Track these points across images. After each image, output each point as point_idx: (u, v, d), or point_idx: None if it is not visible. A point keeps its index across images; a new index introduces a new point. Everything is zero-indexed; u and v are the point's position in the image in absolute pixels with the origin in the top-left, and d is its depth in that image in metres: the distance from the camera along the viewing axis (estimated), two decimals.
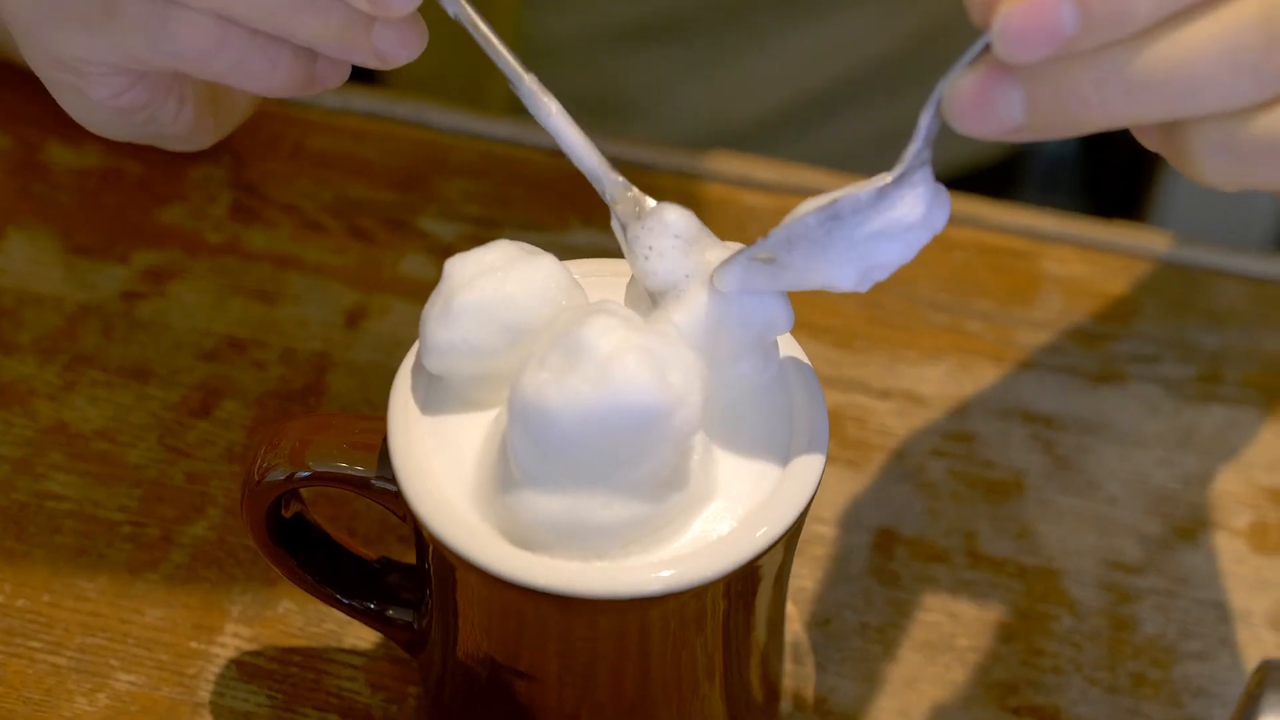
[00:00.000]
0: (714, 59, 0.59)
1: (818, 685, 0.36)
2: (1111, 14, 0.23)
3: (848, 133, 0.61)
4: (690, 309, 0.28)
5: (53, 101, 0.37)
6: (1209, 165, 0.24)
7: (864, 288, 0.28)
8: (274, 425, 0.31)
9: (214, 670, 0.36)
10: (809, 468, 0.28)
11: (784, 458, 0.29)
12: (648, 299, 0.28)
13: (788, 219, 0.27)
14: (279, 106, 0.49)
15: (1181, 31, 0.23)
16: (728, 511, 0.28)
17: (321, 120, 0.49)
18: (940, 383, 0.43)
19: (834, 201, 0.26)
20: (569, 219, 0.47)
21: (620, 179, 0.29)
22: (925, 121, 0.25)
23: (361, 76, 0.57)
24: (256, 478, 0.31)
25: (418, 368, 0.30)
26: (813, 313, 0.44)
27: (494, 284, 0.28)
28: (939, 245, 0.46)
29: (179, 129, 0.33)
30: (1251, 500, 0.40)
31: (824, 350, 0.43)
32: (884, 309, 0.45)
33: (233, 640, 0.36)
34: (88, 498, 0.39)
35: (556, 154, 0.48)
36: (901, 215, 0.27)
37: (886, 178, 0.26)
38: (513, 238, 0.30)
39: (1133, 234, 0.47)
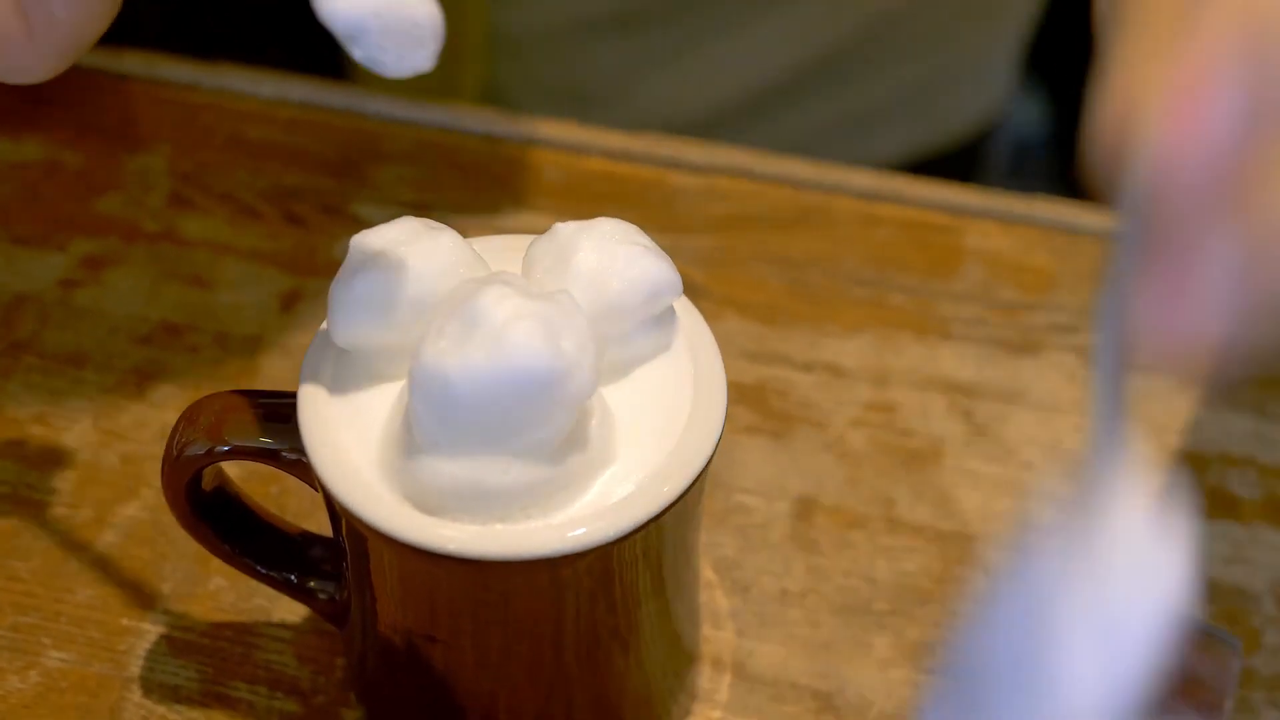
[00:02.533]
0: (678, 48, 0.59)
1: (737, 650, 0.37)
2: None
3: (812, 117, 0.62)
4: (580, 288, 0.28)
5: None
6: None
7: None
8: (193, 403, 0.31)
9: (145, 646, 0.36)
10: (707, 431, 0.29)
11: (683, 422, 0.29)
12: (542, 268, 0.29)
13: None
14: (214, 97, 0.50)
15: None
16: (627, 474, 0.28)
17: (257, 110, 0.49)
18: (862, 355, 0.43)
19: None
20: (501, 202, 0.47)
21: None
22: (1100, 418, 0.20)
23: (334, 71, 0.57)
24: (175, 452, 0.31)
25: (326, 342, 0.30)
26: (738, 289, 0.45)
27: (397, 258, 0.28)
28: (863, 222, 0.47)
29: None
30: (1163, 464, 0.41)
31: (749, 325, 0.44)
32: (808, 285, 0.45)
33: (164, 617, 0.37)
34: (22, 481, 0.39)
35: (490, 139, 0.49)
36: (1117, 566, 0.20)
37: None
38: (445, 221, 0.30)
39: (1054, 207, 0.47)
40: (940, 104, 0.65)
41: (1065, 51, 0.82)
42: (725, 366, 0.43)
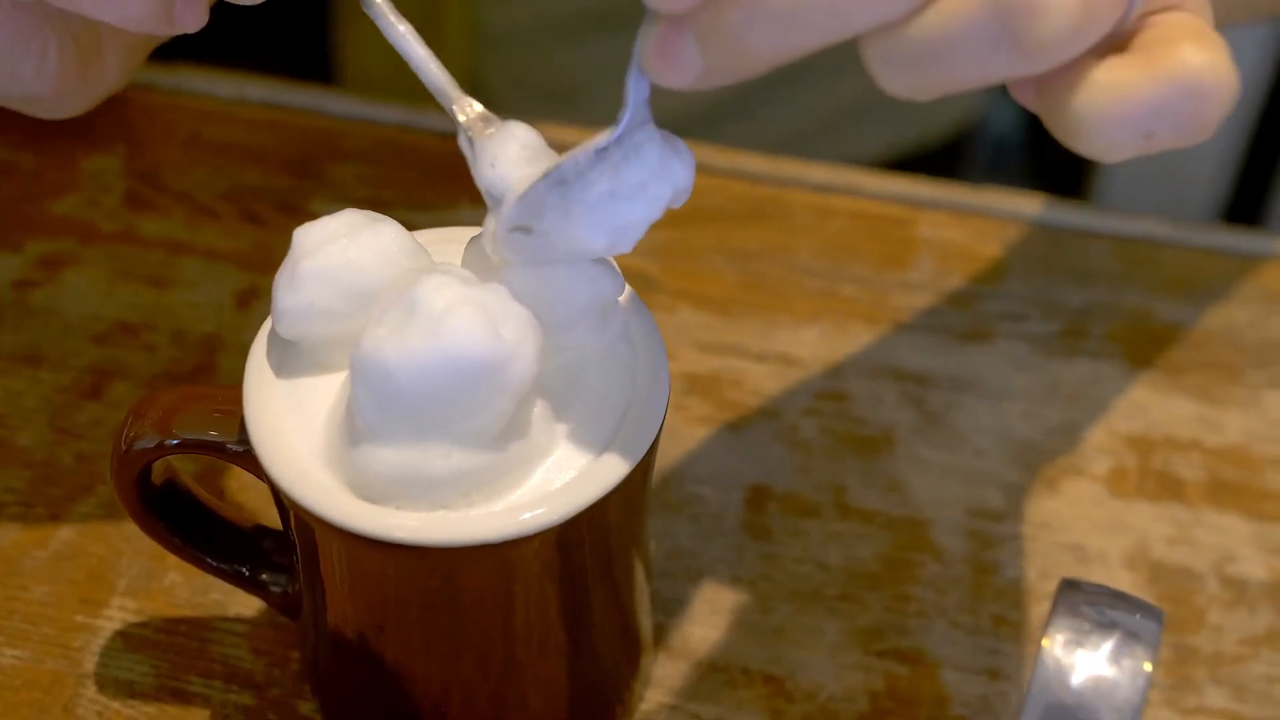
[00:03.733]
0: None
1: (690, 637, 0.37)
2: None
3: (792, 115, 0.62)
4: (520, 282, 0.28)
5: None
6: (885, 78, 0.24)
7: (621, 249, 0.27)
8: (143, 397, 0.32)
9: (99, 642, 0.36)
10: (649, 418, 0.29)
11: (625, 410, 0.29)
12: (485, 261, 0.29)
13: (521, 188, 0.27)
14: (173, 97, 0.50)
15: None
16: (569, 462, 0.29)
17: (217, 109, 0.50)
18: (815, 345, 0.44)
19: (557, 167, 0.26)
20: (458, 199, 0.47)
21: (466, 97, 0.30)
22: (631, 83, 0.26)
23: (317, 75, 0.57)
24: (124, 446, 0.31)
25: (273, 335, 0.30)
26: (692, 281, 0.45)
27: (339, 249, 0.29)
28: (817, 214, 0.48)
29: (42, 87, 0.33)
30: (1111, 448, 0.41)
31: (702, 317, 0.44)
32: (761, 276, 0.46)
33: (118, 613, 0.37)
34: None
35: (447, 137, 0.49)
36: (628, 175, 0.27)
37: (604, 138, 0.26)
38: (402, 218, 0.31)
39: (1005, 198, 0.48)
40: (919, 104, 0.65)
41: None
42: (679, 358, 0.43)
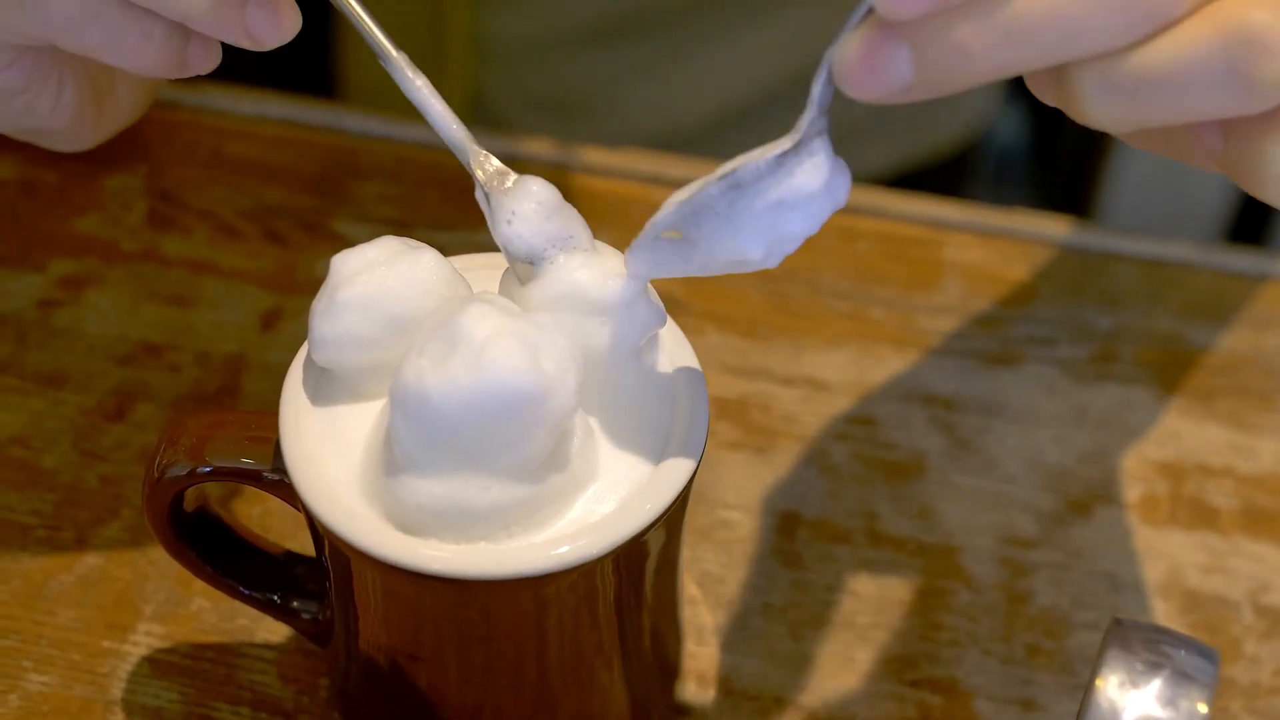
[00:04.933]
0: (662, 60, 0.60)
1: (721, 665, 0.37)
2: None
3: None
4: (568, 315, 0.28)
5: None
6: (1095, 106, 0.24)
7: (772, 262, 0.27)
8: (174, 422, 0.31)
9: (126, 668, 0.36)
10: (689, 448, 0.29)
11: (665, 440, 0.29)
12: (519, 291, 0.29)
13: (688, 191, 0.27)
14: (195, 115, 0.50)
15: None
16: (609, 493, 0.28)
17: (237, 127, 0.49)
18: (843, 369, 0.43)
19: (734, 170, 0.26)
20: (479, 219, 0.47)
21: (483, 151, 0.30)
22: (818, 90, 0.25)
23: (318, 89, 0.57)
24: (157, 474, 0.31)
25: (308, 362, 0.30)
26: (719, 303, 0.45)
27: (377, 278, 0.29)
28: (842, 236, 0.47)
29: (58, 122, 0.33)
30: (1143, 474, 0.41)
31: (730, 340, 0.44)
32: (788, 298, 0.45)
33: (145, 638, 0.37)
34: (1, 503, 0.39)
35: None
36: (802, 184, 0.26)
37: (784, 144, 0.26)
38: (426, 238, 0.31)
39: (1032, 220, 0.48)
40: (926, 117, 0.65)
41: (1042, 109, 0.83)
42: (706, 382, 0.43)
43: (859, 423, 0.42)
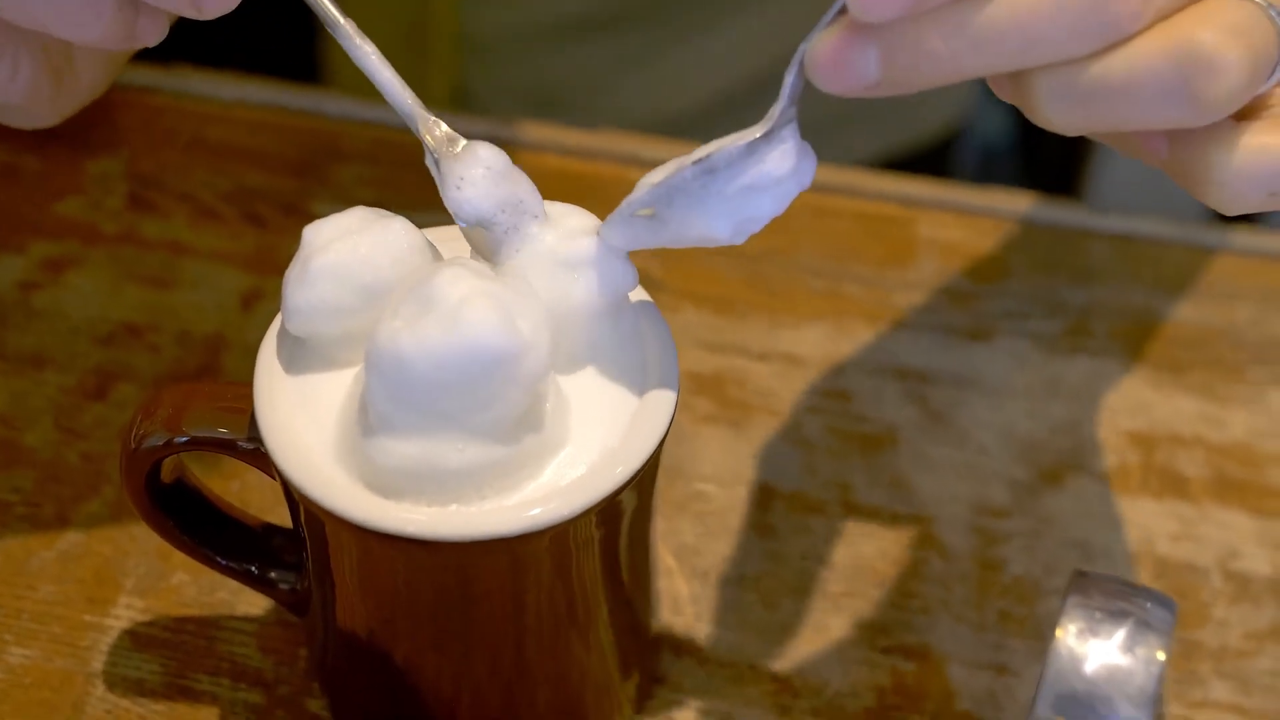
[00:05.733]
0: (645, 52, 0.60)
1: (697, 634, 0.37)
2: None
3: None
4: (535, 276, 0.28)
5: None
6: (1050, 110, 0.26)
7: (739, 239, 0.28)
8: (151, 395, 0.32)
9: (107, 641, 0.36)
10: (659, 413, 0.29)
11: (636, 404, 0.29)
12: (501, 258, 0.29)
13: (662, 173, 0.28)
14: (175, 100, 0.50)
15: None
16: (581, 456, 0.29)
17: (218, 112, 0.50)
18: (818, 344, 0.44)
19: (709, 156, 0.27)
20: None
21: (432, 117, 0.30)
22: (790, 81, 0.27)
23: (305, 75, 0.57)
24: (134, 445, 0.31)
25: (283, 332, 0.30)
26: (695, 281, 0.45)
27: (349, 246, 0.29)
28: (818, 214, 0.48)
29: (15, 97, 0.33)
30: (1114, 444, 0.42)
31: (706, 317, 0.44)
32: (764, 276, 0.46)
33: (126, 612, 0.37)
34: None
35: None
36: (771, 169, 0.27)
37: (756, 132, 0.27)
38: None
39: (1004, 198, 0.48)
40: (908, 108, 0.65)
41: None
42: (683, 357, 0.43)
43: (833, 396, 0.43)
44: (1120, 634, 0.24)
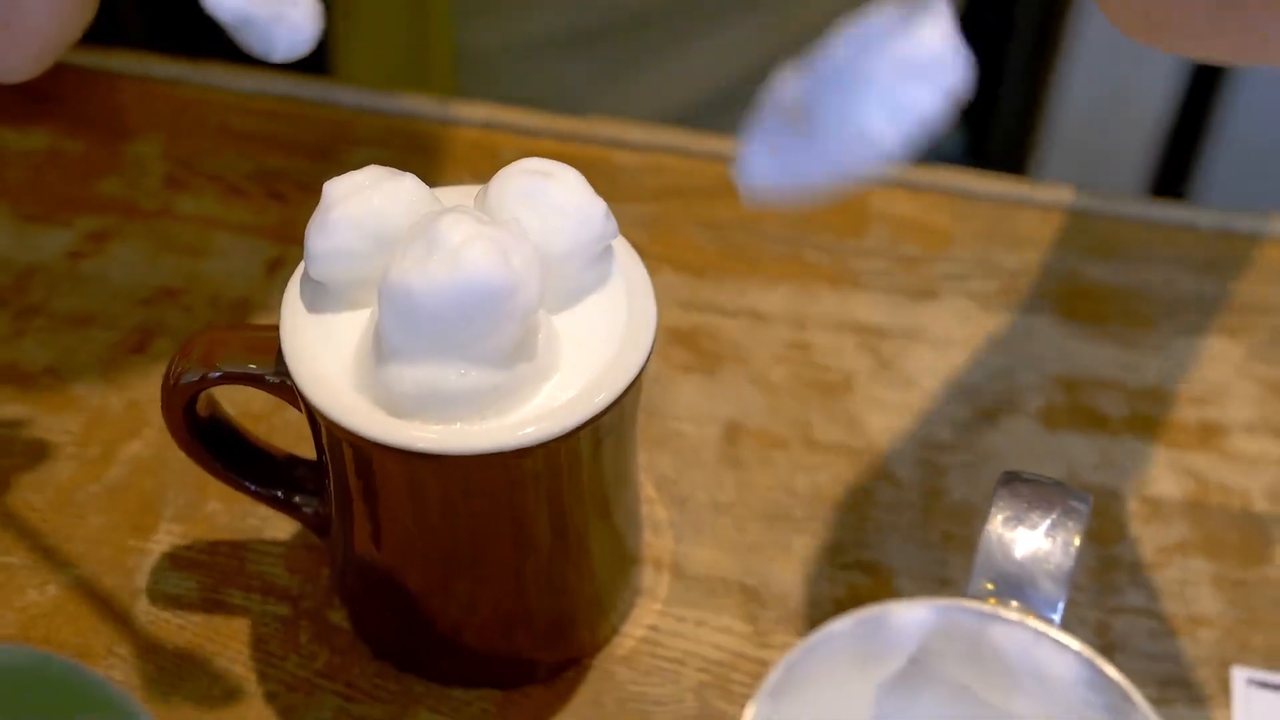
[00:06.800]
0: (628, 64, 0.60)
1: (675, 553, 0.38)
2: None
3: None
4: (528, 222, 0.29)
5: None
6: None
7: (893, 149, 0.21)
8: (188, 337, 0.32)
9: (150, 563, 0.37)
10: (639, 346, 0.30)
11: (618, 338, 0.30)
12: (496, 206, 0.30)
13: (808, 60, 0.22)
14: (203, 92, 0.51)
15: None
16: (570, 382, 0.30)
17: (242, 103, 0.50)
18: (782, 303, 0.45)
19: (854, 29, 0.21)
20: (462, 180, 0.48)
21: None
22: None
23: (317, 69, 0.58)
24: (172, 381, 0.32)
25: (305, 278, 0.31)
26: (673, 249, 0.46)
27: (364, 198, 0.30)
28: None
29: None
30: (1043, 388, 0.43)
31: (683, 279, 0.45)
32: (735, 244, 0.47)
33: (166, 537, 0.38)
34: (38, 425, 0.40)
35: (448, 125, 0.50)
36: (925, 49, 0.21)
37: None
38: None
39: (949, 175, 0.49)
40: None
41: (980, 75, 0.84)
42: (662, 314, 0.44)
43: (795, 348, 0.43)
44: (1043, 522, 0.25)
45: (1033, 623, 0.25)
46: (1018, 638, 0.24)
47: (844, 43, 0.21)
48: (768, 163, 0.22)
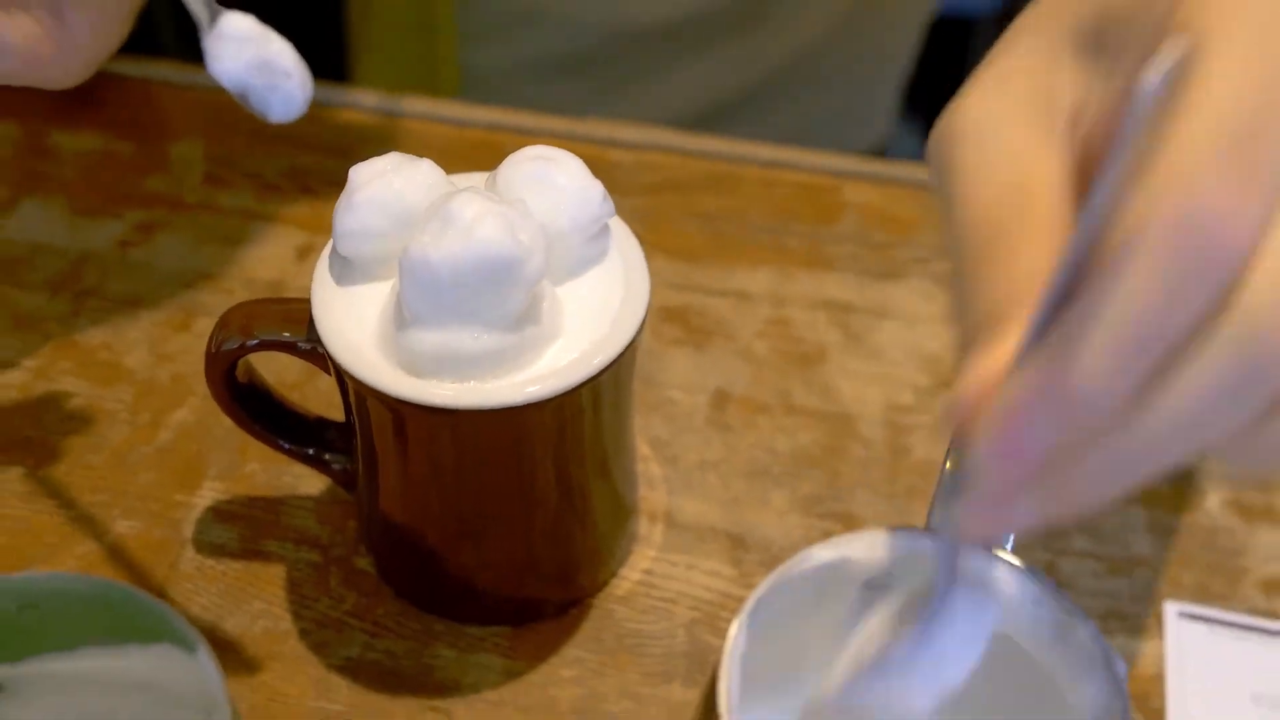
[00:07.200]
0: (614, 87, 0.61)
1: (667, 505, 0.39)
2: (1077, 411, 0.19)
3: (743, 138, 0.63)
4: (534, 203, 0.30)
5: (53, 97, 0.37)
6: (1237, 471, 0.22)
7: (946, 694, 0.23)
8: (228, 309, 0.33)
9: (195, 515, 0.38)
10: (634, 314, 0.31)
11: (617, 306, 0.31)
12: (504, 187, 0.30)
13: (844, 676, 0.24)
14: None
15: (1162, 395, 0.19)
16: (571, 346, 0.30)
17: None
18: (764, 284, 0.45)
19: (881, 659, 0.23)
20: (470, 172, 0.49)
21: (210, 10, 0.28)
22: (940, 558, 0.23)
23: (331, 74, 0.58)
24: (214, 348, 0.32)
25: (333, 255, 0.31)
26: (666, 237, 0.47)
27: (386, 181, 0.30)
28: (765, 184, 0.49)
29: (14, 63, 0.30)
30: None
31: (674, 264, 0.46)
32: (721, 234, 0.47)
33: (209, 493, 0.38)
34: (94, 394, 0.41)
35: (459, 127, 0.51)
36: (948, 637, 0.23)
37: (920, 622, 0.23)
38: None
39: (912, 169, 0.50)
40: (836, 135, 0.66)
41: (938, 92, 0.84)
42: (655, 294, 0.45)
43: (776, 324, 0.44)
44: None
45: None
46: (974, 561, 0.25)
47: (879, 670, 0.23)
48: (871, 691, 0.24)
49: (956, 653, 0.23)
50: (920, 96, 0.73)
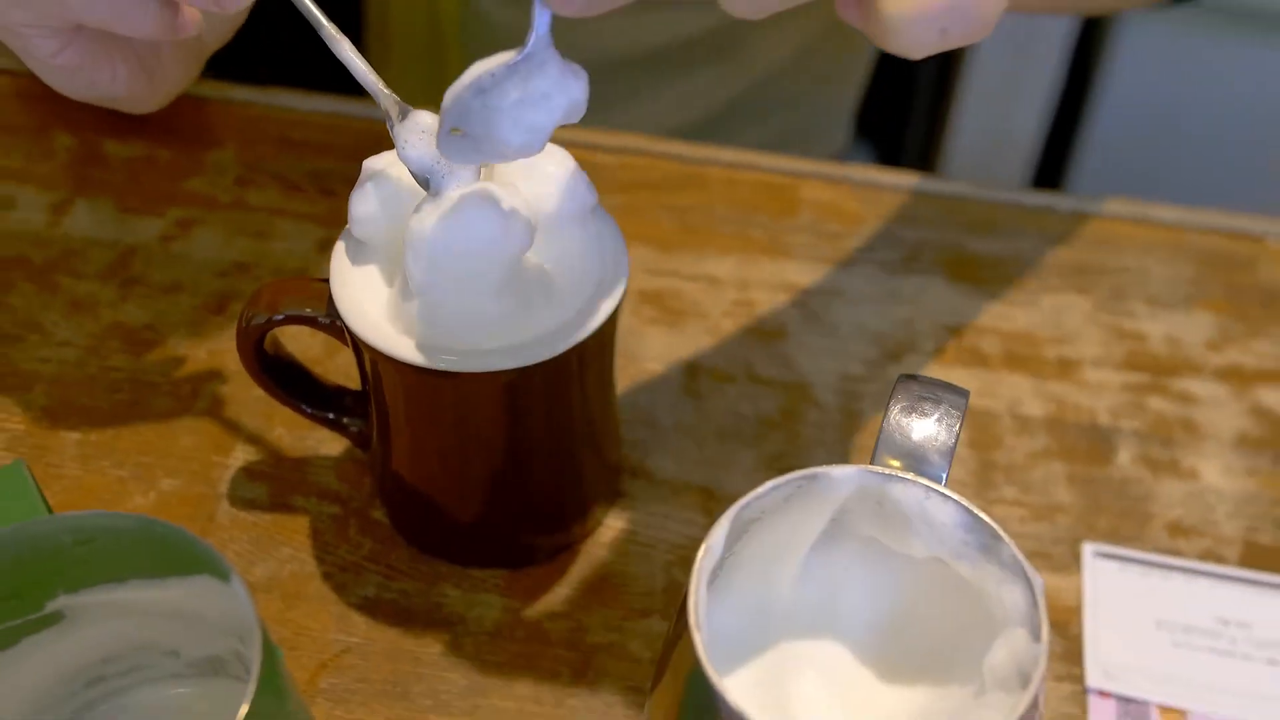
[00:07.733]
0: (605, 104, 0.60)
1: (647, 464, 0.39)
2: None
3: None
4: (525, 189, 0.30)
5: (107, 112, 0.37)
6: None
7: (534, 149, 0.25)
8: (257, 289, 0.33)
9: (230, 474, 0.37)
10: (615, 288, 0.31)
11: (599, 282, 0.31)
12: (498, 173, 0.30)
13: (450, 97, 0.25)
14: (267, 110, 0.51)
15: None
16: (559, 315, 0.30)
17: (298, 118, 0.51)
18: (730, 270, 0.45)
19: (475, 77, 0.24)
20: None
21: (392, 95, 0.29)
22: (536, 12, 0.24)
23: (350, 88, 0.58)
24: (244, 323, 0.32)
25: (349, 236, 0.31)
26: (642, 229, 0.47)
27: (395, 173, 0.30)
28: (730, 183, 0.49)
29: (119, 89, 0.32)
30: (935, 334, 0.43)
31: (651, 252, 0.46)
32: (692, 225, 0.47)
33: (242, 455, 0.38)
34: (139, 369, 0.40)
35: None
36: (536, 85, 0.25)
37: (513, 55, 0.24)
38: None
39: (859, 170, 0.50)
40: (798, 150, 0.65)
41: (888, 113, 0.84)
42: (633, 279, 0.45)
43: (741, 304, 0.44)
44: (934, 412, 0.26)
45: (925, 482, 0.25)
46: (913, 494, 0.25)
47: (470, 89, 0.25)
48: (461, 155, 0.26)
49: (539, 93, 0.24)
50: (870, 115, 0.74)
